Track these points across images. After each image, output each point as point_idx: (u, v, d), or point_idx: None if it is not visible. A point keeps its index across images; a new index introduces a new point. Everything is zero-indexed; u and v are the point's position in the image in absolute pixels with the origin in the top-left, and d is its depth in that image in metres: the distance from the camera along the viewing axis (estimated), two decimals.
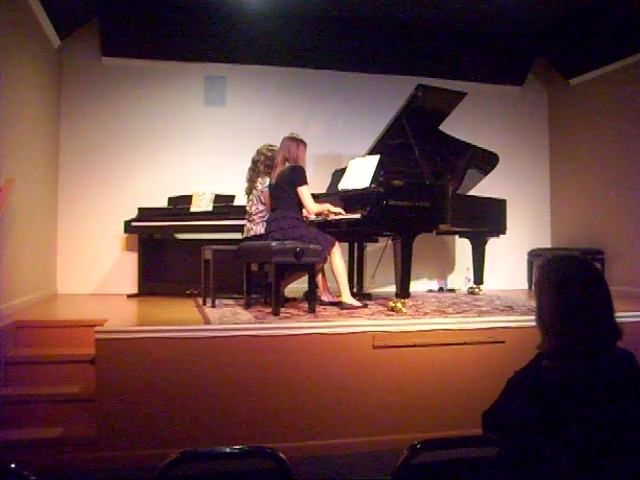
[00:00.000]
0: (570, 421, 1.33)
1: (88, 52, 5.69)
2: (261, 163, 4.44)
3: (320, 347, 3.35)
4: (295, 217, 4.09)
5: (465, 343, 3.54)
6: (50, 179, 5.38)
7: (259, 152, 4.52)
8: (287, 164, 4.14)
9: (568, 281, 1.47)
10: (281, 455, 1.37)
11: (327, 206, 4.22)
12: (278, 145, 4.42)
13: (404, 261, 4.05)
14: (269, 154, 4.44)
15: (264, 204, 4.36)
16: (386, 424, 3.35)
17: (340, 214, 4.19)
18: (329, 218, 4.28)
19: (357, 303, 4.13)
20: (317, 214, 4.27)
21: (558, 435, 1.33)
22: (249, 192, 4.49)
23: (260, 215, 4.36)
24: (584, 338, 1.42)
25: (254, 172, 4.48)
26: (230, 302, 4.49)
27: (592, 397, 1.37)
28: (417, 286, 5.93)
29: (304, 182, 4.06)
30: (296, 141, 4.19)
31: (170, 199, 5.52)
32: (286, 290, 4.56)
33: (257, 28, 5.63)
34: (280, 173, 4.14)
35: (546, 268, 1.55)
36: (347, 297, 4.13)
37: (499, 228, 5.41)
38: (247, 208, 4.50)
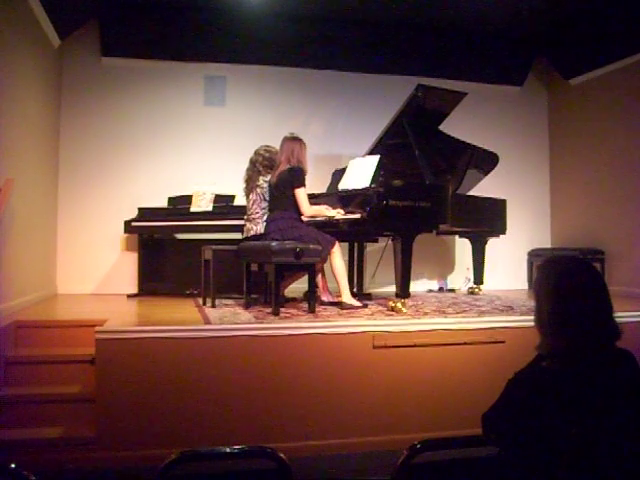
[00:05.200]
0: (570, 422, 1.33)
1: (88, 52, 5.68)
2: (259, 163, 4.43)
3: (320, 347, 3.35)
4: (293, 217, 4.10)
5: (465, 343, 3.54)
6: (50, 179, 5.37)
7: (257, 153, 4.51)
8: (289, 165, 4.14)
9: (567, 282, 1.47)
10: (281, 455, 1.38)
11: (322, 211, 4.24)
12: (275, 146, 4.42)
13: (404, 261, 4.05)
14: (267, 154, 4.43)
15: (267, 201, 4.35)
16: (386, 424, 3.35)
17: (334, 217, 4.20)
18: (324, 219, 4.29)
19: (357, 303, 4.13)
20: (311, 217, 4.27)
21: (558, 436, 1.33)
22: (248, 192, 4.48)
23: (262, 213, 4.35)
24: (583, 339, 1.42)
25: (253, 172, 4.46)
26: (230, 302, 4.49)
27: (592, 398, 1.37)
28: (417, 286, 5.93)
29: (301, 184, 4.07)
30: (298, 141, 4.21)
31: (170, 199, 5.52)
32: (286, 290, 4.56)
33: (257, 28, 5.62)
34: (280, 174, 4.14)
35: (545, 269, 1.55)
36: (347, 297, 4.14)
37: (499, 228, 5.41)
38: (247, 208, 4.48)
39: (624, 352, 1.48)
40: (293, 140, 4.21)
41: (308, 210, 4.14)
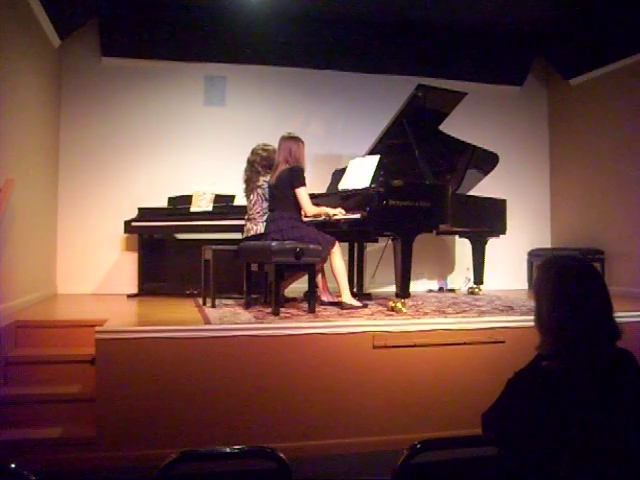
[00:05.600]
0: (570, 422, 1.33)
1: (88, 52, 5.68)
2: (257, 163, 4.40)
3: (320, 347, 3.35)
4: (294, 217, 4.10)
5: (465, 343, 3.54)
6: (50, 179, 5.37)
7: (254, 152, 4.48)
8: (287, 165, 4.13)
9: (567, 282, 1.47)
10: (281, 455, 1.37)
11: (324, 209, 4.22)
12: (272, 144, 4.39)
13: (404, 261, 4.05)
14: (264, 154, 4.39)
15: (268, 201, 4.34)
16: (386, 424, 3.35)
17: (336, 216, 4.19)
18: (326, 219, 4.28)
19: (357, 303, 4.13)
20: (314, 216, 4.26)
21: (558, 436, 1.33)
22: (249, 193, 4.47)
23: (263, 213, 4.34)
24: (583, 339, 1.42)
25: (252, 172, 4.44)
26: (230, 302, 4.49)
27: (592, 397, 1.37)
28: (417, 286, 5.93)
29: (302, 184, 4.07)
30: (296, 140, 4.20)
31: (170, 199, 5.52)
32: (286, 290, 4.56)
33: (257, 28, 5.63)
34: (279, 174, 4.14)
35: (545, 269, 1.55)
36: (347, 297, 4.14)
37: (499, 228, 5.41)
38: (248, 209, 4.48)
39: (624, 352, 1.48)
40: (290, 139, 4.20)
41: (310, 209, 4.12)
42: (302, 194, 4.07)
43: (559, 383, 1.40)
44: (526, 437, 1.39)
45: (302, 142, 4.23)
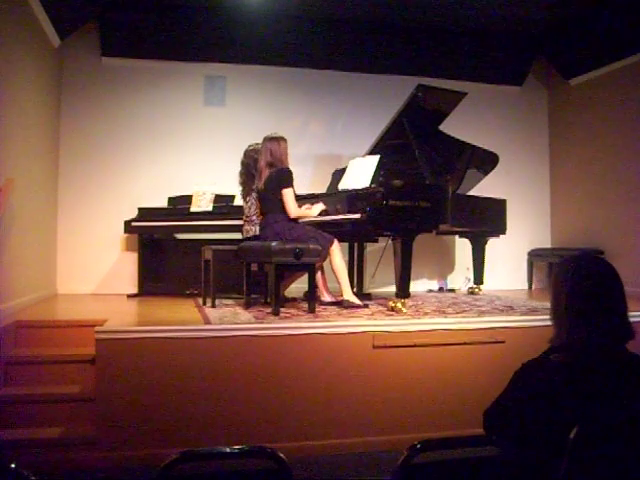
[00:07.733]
0: (572, 417, 1.33)
1: (88, 52, 5.69)
2: (252, 167, 4.38)
3: (320, 347, 3.35)
4: (287, 219, 4.10)
5: (465, 343, 3.54)
6: (50, 179, 5.37)
7: (247, 154, 4.44)
8: (272, 167, 4.12)
9: (586, 278, 1.51)
10: (281, 455, 1.37)
11: (306, 211, 4.28)
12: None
13: (404, 261, 4.05)
14: (256, 156, 4.34)
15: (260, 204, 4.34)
16: (386, 424, 3.35)
17: (320, 214, 4.23)
18: (322, 219, 4.30)
19: (359, 301, 4.14)
20: (297, 218, 4.24)
21: (560, 433, 1.33)
22: (245, 195, 4.46)
23: (259, 215, 4.33)
24: (597, 334, 1.44)
25: (248, 176, 4.42)
26: (230, 302, 4.49)
27: (596, 395, 1.38)
28: (417, 286, 5.93)
29: (289, 185, 4.07)
30: (276, 140, 4.18)
31: (170, 199, 5.52)
32: (286, 290, 4.56)
33: (257, 28, 5.63)
34: (267, 178, 4.13)
35: (565, 265, 1.58)
36: (349, 294, 4.14)
37: (499, 228, 5.41)
38: (245, 211, 4.47)
39: (635, 356, 1.49)
40: (270, 140, 4.18)
41: (295, 211, 4.12)
42: (288, 195, 4.06)
43: (565, 377, 1.41)
44: (528, 433, 1.39)
45: (284, 140, 4.20)
